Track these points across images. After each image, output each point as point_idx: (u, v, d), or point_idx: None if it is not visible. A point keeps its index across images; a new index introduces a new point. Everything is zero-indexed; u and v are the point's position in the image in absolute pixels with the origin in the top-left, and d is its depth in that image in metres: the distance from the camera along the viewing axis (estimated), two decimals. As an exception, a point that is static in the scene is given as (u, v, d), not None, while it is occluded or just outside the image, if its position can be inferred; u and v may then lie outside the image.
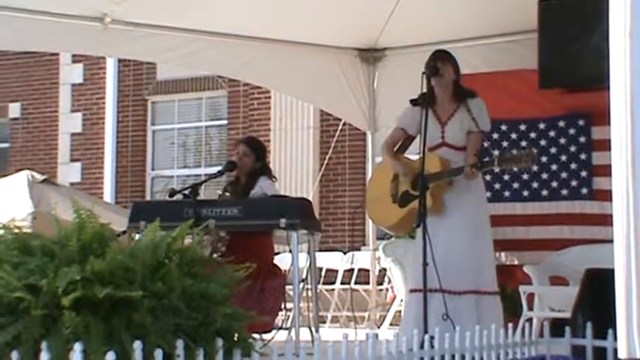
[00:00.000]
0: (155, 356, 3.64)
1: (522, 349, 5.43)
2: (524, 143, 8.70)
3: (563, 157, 8.66)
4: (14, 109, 16.76)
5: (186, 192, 7.49)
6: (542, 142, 8.71)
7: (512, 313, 7.51)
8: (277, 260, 7.93)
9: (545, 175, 8.69)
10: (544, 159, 8.64)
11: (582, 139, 8.59)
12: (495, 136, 8.76)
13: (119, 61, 15.73)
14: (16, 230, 4.07)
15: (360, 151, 13.76)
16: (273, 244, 7.88)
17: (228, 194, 7.89)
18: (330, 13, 9.27)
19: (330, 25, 9.60)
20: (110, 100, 15.98)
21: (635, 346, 4.04)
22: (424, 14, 9.27)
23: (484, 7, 8.97)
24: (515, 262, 8.60)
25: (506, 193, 8.82)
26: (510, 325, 5.43)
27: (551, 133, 8.71)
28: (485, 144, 8.43)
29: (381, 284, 11.67)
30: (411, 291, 6.79)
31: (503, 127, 8.82)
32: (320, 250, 10.35)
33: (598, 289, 5.60)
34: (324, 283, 11.97)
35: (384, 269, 10.97)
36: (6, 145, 16.89)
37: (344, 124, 11.44)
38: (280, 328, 7.30)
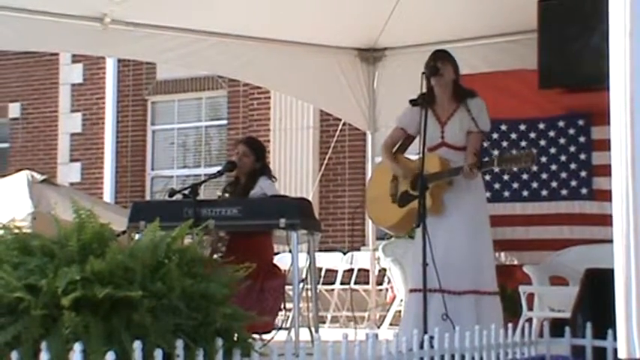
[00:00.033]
0: (155, 356, 3.64)
1: (522, 349, 5.43)
2: (524, 143, 8.70)
3: (563, 157, 8.66)
4: (14, 109, 16.76)
5: (186, 192, 7.48)
6: (542, 142, 8.71)
7: (512, 313, 7.51)
8: (277, 260, 7.94)
9: (544, 175, 8.70)
10: (544, 159, 8.64)
11: (582, 139, 8.60)
12: (495, 136, 8.76)
13: (119, 61, 15.73)
14: (16, 230, 4.07)
15: (359, 151, 13.76)
16: (273, 244, 7.88)
17: (227, 194, 7.90)
18: (330, 13, 9.28)
19: (330, 25, 9.60)
20: (110, 100, 15.99)
21: (635, 346, 4.04)
22: (424, 14, 9.27)
23: (484, 7, 8.97)
24: (515, 262, 8.60)
25: (506, 193, 8.82)
26: (510, 325, 5.43)
27: (551, 133, 8.71)
28: (485, 144, 8.43)
29: (381, 284, 11.67)
30: (411, 291, 6.79)
31: (503, 127, 8.82)
32: (320, 250, 10.36)
33: (598, 289, 5.60)
34: (323, 283, 11.97)
35: (384, 269, 10.97)
36: (6, 145, 16.89)
37: (344, 124, 11.44)
38: (280, 328, 7.31)
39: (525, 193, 8.77)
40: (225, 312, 4.01)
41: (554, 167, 8.67)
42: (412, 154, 7.05)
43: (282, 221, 7.12)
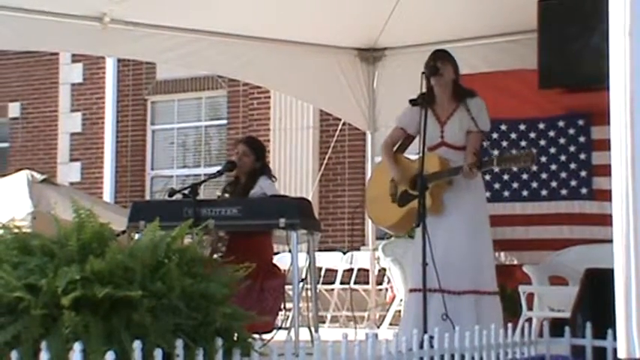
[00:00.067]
0: (155, 356, 3.64)
1: (522, 349, 5.43)
2: (523, 143, 8.70)
3: (563, 157, 8.66)
4: (14, 109, 16.76)
5: (186, 192, 7.49)
6: (542, 142, 8.71)
7: (512, 313, 7.51)
8: (277, 260, 7.94)
9: (544, 175, 8.69)
10: (543, 159, 8.64)
11: (582, 139, 8.59)
12: (495, 135, 8.76)
13: (119, 60, 15.73)
14: (16, 230, 4.07)
15: (359, 150, 13.76)
16: (273, 244, 7.88)
17: (227, 194, 7.89)
18: (330, 13, 9.28)
19: (330, 25, 9.60)
20: (110, 100, 15.98)
21: (635, 346, 4.04)
22: (424, 14, 9.27)
23: (484, 7, 8.97)
24: (515, 262, 8.60)
25: (506, 193, 8.82)
26: (510, 324, 5.43)
27: (551, 133, 8.71)
28: (485, 144, 8.43)
29: (381, 284, 11.67)
30: (411, 291, 6.79)
31: (503, 127, 8.82)
32: (319, 250, 10.34)
33: (597, 289, 5.60)
34: (323, 283, 11.96)
35: (384, 269, 10.97)
36: (6, 144, 16.89)
37: (344, 124, 11.43)
38: (280, 328, 7.31)
39: (525, 192, 8.77)
40: (225, 312, 4.01)
41: (554, 167, 8.67)
42: (412, 153, 7.05)
43: (282, 221, 7.12)
